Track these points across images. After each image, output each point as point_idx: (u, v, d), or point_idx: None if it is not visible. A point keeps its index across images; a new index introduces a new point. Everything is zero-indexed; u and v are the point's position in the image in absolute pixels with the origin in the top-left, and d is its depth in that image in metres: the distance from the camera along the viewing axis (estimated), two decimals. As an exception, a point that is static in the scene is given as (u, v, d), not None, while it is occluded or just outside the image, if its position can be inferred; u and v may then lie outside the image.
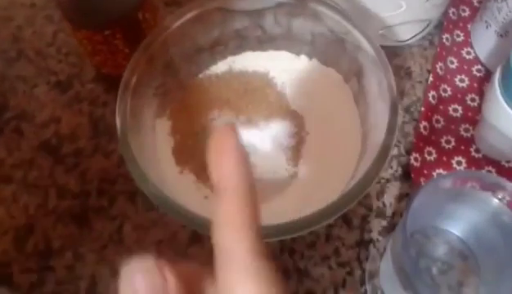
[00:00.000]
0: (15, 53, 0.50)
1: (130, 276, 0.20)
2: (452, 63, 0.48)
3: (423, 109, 0.44)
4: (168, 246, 0.40)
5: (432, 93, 0.45)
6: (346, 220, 0.41)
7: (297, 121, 0.41)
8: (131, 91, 0.36)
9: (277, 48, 0.44)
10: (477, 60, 0.48)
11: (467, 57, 0.48)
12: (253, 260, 0.19)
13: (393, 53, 0.48)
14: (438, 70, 0.47)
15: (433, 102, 0.45)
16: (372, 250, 0.39)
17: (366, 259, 0.39)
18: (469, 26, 0.50)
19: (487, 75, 0.46)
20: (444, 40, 0.48)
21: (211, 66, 0.44)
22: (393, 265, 0.32)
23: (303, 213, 0.31)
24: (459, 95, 0.46)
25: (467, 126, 0.44)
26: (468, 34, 0.50)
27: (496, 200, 0.33)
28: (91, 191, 0.42)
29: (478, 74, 0.47)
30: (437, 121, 0.45)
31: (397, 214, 0.41)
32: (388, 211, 0.41)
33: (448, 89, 0.47)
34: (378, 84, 0.37)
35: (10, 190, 0.42)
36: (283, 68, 0.43)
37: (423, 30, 0.48)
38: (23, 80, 0.48)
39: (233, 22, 0.43)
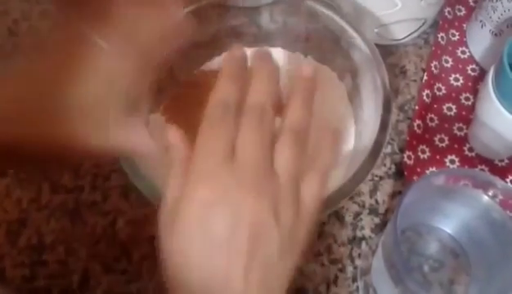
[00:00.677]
0: (11, 47, 0.50)
1: None
2: (447, 62, 0.48)
3: (417, 107, 0.44)
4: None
5: (426, 92, 0.45)
6: (338, 217, 0.41)
7: None
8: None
9: (272, 45, 0.44)
10: (472, 59, 0.48)
11: (462, 56, 0.49)
12: None
13: (388, 51, 0.48)
14: (433, 69, 0.47)
15: (427, 101, 0.45)
16: (364, 247, 0.40)
17: (359, 256, 0.39)
18: (464, 25, 0.50)
19: (482, 74, 0.47)
20: (439, 39, 0.49)
21: (206, 62, 0.44)
22: (385, 262, 0.32)
23: None
24: (453, 94, 0.46)
25: (461, 125, 0.45)
26: (463, 34, 0.50)
27: (487, 198, 0.33)
28: (84, 186, 0.42)
29: (473, 73, 0.47)
30: (431, 119, 0.45)
31: (390, 211, 0.41)
32: (381, 209, 0.41)
33: (443, 88, 0.47)
34: (372, 81, 0.37)
35: (3, 184, 0.42)
36: (278, 64, 0.43)
37: (418, 29, 0.48)
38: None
39: (229, 19, 0.43)
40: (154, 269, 0.38)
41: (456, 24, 0.50)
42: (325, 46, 0.42)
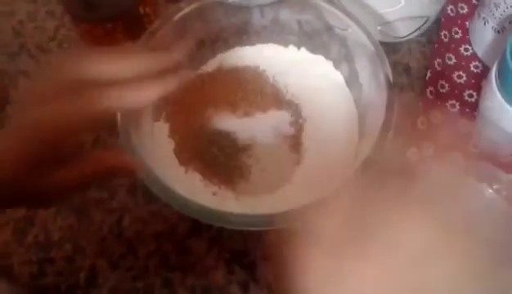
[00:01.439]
0: (17, 48, 0.50)
1: None
2: (450, 59, 0.48)
3: (421, 104, 0.45)
4: (167, 238, 0.40)
5: (430, 89, 0.46)
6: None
7: (293, 109, 0.41)
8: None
9: (265, 41, 0.45)
10: (475, 56, 0.48)
11: (465, 53, 0.49)
12: None
13: (392, 49, 0.48)
14: (436, 66, 0.47)
15: (430, 98, 0.45)
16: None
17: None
18: (467, 23, 0.50)
19: (485, 71, 0.47)
20: (442, 37, 0.49)
21: (201, 65, 0.44)
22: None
23: (310, 199, 0.31)
24: (456, 91, 0.46)
25: (464, 122, 0.45)
26: (466, 31, 0.50)
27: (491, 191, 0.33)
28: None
29: (476, 70, 0.48)
30: (435, 116, 0.45)
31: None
32: (386, 205, 0.41)
33: (446, 85, 0.47)
34: (370, 64, 0.38)
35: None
36: (273, 60, 0.44)
37: (421, 27, 0.48)
38: (24, 74, 0.49)
39: (219, 20, 0.43)
40: (161, 266, 0.39)
41: (459, 21, 0.51)
42: (318, 36, 0.43)
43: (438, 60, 0.47)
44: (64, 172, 0.28)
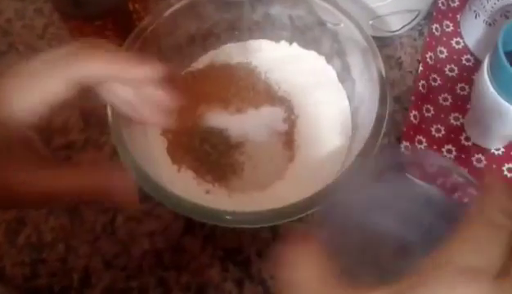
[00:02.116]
0: (5, 46, 0.50)
1: None
2: (442, 53, 0.48)
3: (413, 98, 0.45)
4: (161, 237, 0.40)
5: (422, 82, 0.46)
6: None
7: (286, 106, 0.41)
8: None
9: (256, 37, 0.45)
10: (466, 49, 0.48)
11: (456, 47, 0.49)
12: None
13: (383, 43, 0.48)
14: (428, 60, 0.47)
15: (423, 91, 0.45)
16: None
17: (358, 247, 0.39)
18: (458, 16, 0.50)
19: (477, 64, 0.47)
20: (434, 30, 0.49)
21: (193, 63, 0.44)
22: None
23: (303, 196, 0.31)
24: (449, 85, 0.47)
25: (457, 114, 0.45)
26: (457, 24, 0.50)
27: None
28: (83, 183, 0.42)
29: (468, 64, 0.48)
30: (428, 110, 0.45)
31: (389, 202, 0.41)
32: (380, 200, 0.41)
33: (438, 78, 0.47)
34: (362, 59, 0.38)
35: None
36: (265, 56, 0.44)
37: (412, 20, 0.48)
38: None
39: (210, 16, 0.43)
40: (155, 265, 0.39)
41: (450, 14, 0.51)
42: (310, 31, 0.43)
43: (430, 53, 0.47)
44: (47, 175, 0.25)
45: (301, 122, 0.41)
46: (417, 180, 0.30)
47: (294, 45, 0.44)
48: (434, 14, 0.50)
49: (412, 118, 0.44)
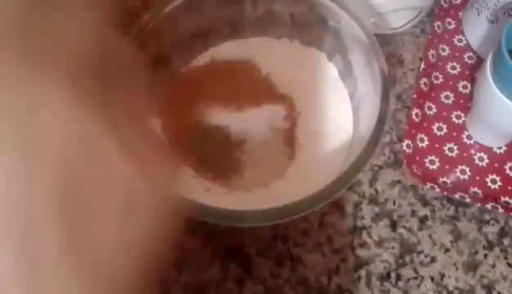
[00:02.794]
0: None
1: None
2: (444, 50, 0.48)
3: (415, 96, 0.44)
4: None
5: (424, 80, 0.45)
6: (339, 207, 0.41)
7: (287, 103, 0.41)
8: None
9: (257, 34, 0.44)
10: (468, 47, 0.48)
11: (458, 44, 0.49)
12: None
13: (385, 41, 0.48)
14: (430, 58, 0.47)
15: (424, 89, 0.45)
16: (365, 236, 0.40)
17: (359, 245, 0.39)
18: (460, 14, 0.50)
19: (479, 62, 0.47)
20: (436, 27, 0.49)
21: (193, 60, 0.44)
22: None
23: (304, 194, 0.31)
24: (451, 83, 0.46)
25: (459, 113, 0.45)
26: (459, 22, 0.50)
27: None
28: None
29: (470, 61, 0.47)
30: (429, 108, 0.45)
31: (390, 200, 0.41)
32: (381, 198, 0.41)
33: (440, 76, 0.47)
34: (364, 57, 0.38)
35: None
36: (266, 53, 0.44)
37: (415, 18, 0.48)
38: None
39: (211, 12, 0.42)
40: (155, 263, 0.38)
41: (452, 12, 0.50)
42: (311, 28, 0.43)
43: (432, 51, 0.47)
44: None
45: (302, 120, 0.40)
46: None
47: (296, 42, 0.44)
48: (436, 11, 0.49)
49: (414, 117, 0.43)
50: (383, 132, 0.35)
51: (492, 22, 0.45)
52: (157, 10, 0.39)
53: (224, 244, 0.39)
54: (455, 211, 0.41)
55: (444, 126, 0.44)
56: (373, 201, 0.41)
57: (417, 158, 0.42)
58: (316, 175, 0.35)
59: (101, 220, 0.16)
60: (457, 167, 0.42)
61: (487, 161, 0.42)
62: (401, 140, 0.43)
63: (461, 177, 0.42)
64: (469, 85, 0.46)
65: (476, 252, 0.39)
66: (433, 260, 0.39)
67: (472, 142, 0.43)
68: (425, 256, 0.39)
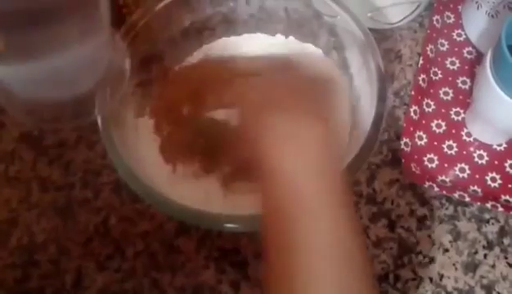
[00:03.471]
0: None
1: None
2: (443, 45, 0.47)
3: (413, 92, 0.44)
4: (154, 237, 0.39)
5: (422, 76, 0.44)
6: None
7: None
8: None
9: (252, 31, 0.43)
10: (468, 41, 0.47)
11: (458, 39, 0.48)
12: None
13: (383, 36, 0.47)
14: (429, 53, 0.46)
15: (423, 85, 0.44)
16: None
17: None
18: (459, 7, 0.49)
19: (479, 57, 0.46)
20: (434, 22, 0.47)
21: (187, 57, 0.43)
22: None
23: None
24: (450, 78, 0.45)
25: (458, 109, 0.44)
26: (458, 16, 0.49)
27: None
28: (75, 183, 0.41)
29: (469, 56, 0.46)
30: (428, 105, 0.44)
31: (388, 200, 0.40)
32: (379, 198, 0.40)
33: (439, 72, 0.46)
34: (360, 53, 0.37)
35: (-9, 184, 0.41)
36: (260, 49, 0.43)
37: (413, 12, 0.47)
38: None
39: (204, 9, 0.41)
40: (149, 266, 0.38)
41: (451, 6, 0.49)
42: (306, 24, 0.42)
43: (431, 46, 0.46)
44: None
45: None
46: None
47: (291, 38, 0.43)
48: (435, 5, 0.48)
49: (412, 114, 0.42)
50: (380, 131, 0.34)
51: (492, 16, 0.44)
52: (148, 6, 0.38)
53: (219, 246, 0.38)
54: (455, 211, 0.40)
55: (443, 124, 0.43)
56: (371, 200, 0.40)
57: (415, 156, 0.41)
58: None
59: None
60: (456, 165, 0.41)
61: (486, 158, 0.42)
62: (399, 137, 0.42)
63: (460, 175, 0.41)
64: (468, 80, 0.45)
65: (476, 252, 0.38)
66: (432, 260, 0.38)
67: (471, 139, 0.42)
68: (424, 257, 0.38)
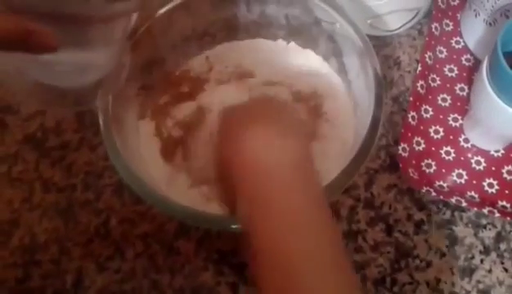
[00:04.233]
0: (-1, 45, 0.49)
1: None
2: (441, 52, 0.48)
3: (411, 98, 0.44)
4: (155, 239, 0.39)
5: (420, 83, 0.45)
6: (334, 211, 0.40)
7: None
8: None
9: (253, 36, 0.44)
10: (466, 49, 0.48)
11: (456, 46, 0.48)
12: None
13: (382, 43, 0.48)
14: (427, 60, 0.46)
15: (421, 92, 0.45)
16: (360, 241, 0.39)
17: (354, 250, 0.39)
18: (458, 15, 0.50)
19: (476, 64, 0.46)
20: (433, 29, 0.48)
21: (187, 61, 0.43)
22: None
23: None
24: (448, 85, 0.46)
25: (456, 115, 0.44)
26: (457, 23, 0.49)
27: None
28: (76, 184, 0.42)
29: (467, 64, 0.47)
30: (426, 111, 0.44)
31: (386, 204, 0.41)
32: (377, 202, 0.41)
33: (437, 79, 0.46)
34: (358, 60, 0.37)
35: (-6, 184, 0.42)
36: (261, 55, 0.43)
37: (412, 19, 0.47)
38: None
39: (205, 14, 0.42)
40: (149, 267, 0.38)
41: (450, 13, 0.50)
42: (306, 30, 0.42)
43: (429, 53, 0.47)
44: None
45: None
46: None
47: (292, 44, 0.44)
48: (434, 13, 0.49)
49: (410, 119, 0.43)
50: (377, 136, 0.34)
51: (490, 24, 0.44)
52: (150, 12, 0.39)
53: (218, 248, 0.39)
54: (452, 216, 0.40)
55: (441, 130, 0.43)
56: (368, 205, 0.41)
57: (413, 162, 0.42)
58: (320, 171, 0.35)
59: None
60: (454, 171, 0.42)
61: (484, 164, 0.42)
62: (397, 143, 0.43)
63: (458, 181, 0.41)
64: (466, 87, 0.46)
65: (472, 257, 0.39)
66: (429, 264, 0.38)
67: (469, 145, 0.43)
68: (421, 261, 0.39)
